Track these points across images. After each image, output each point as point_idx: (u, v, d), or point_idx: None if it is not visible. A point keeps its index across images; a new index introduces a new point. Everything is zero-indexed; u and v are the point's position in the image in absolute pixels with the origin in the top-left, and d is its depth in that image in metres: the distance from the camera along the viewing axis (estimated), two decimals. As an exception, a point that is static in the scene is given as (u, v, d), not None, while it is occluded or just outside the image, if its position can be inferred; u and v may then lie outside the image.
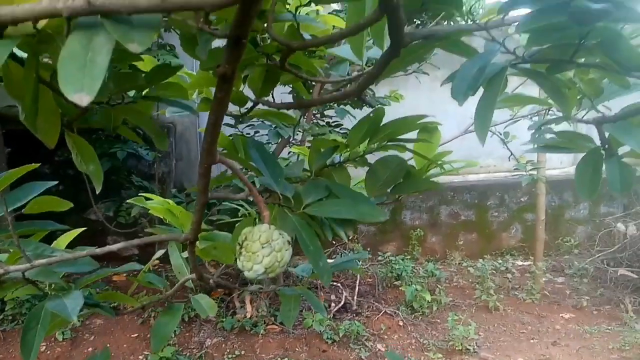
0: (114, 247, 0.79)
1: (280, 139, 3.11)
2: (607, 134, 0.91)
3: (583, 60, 0.75)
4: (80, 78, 0.44)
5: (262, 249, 0.68)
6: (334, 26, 1.03)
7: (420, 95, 5.11)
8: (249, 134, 3.49)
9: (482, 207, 5.52)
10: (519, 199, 5.56)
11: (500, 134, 3.42)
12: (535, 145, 1.03)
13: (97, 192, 0.88)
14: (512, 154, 3.47)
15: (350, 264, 1.09)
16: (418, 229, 5.15)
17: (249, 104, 1.00)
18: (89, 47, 0.46)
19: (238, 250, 0.71)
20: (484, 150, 5.57)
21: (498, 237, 5.53)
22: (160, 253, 1.31)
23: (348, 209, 0.79)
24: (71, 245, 1.04)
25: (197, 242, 1.05)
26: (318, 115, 4.12)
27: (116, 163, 3.82)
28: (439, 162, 1.02)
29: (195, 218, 0.77)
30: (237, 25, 0.47)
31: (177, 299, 1.20)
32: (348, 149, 0.97)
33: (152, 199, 1.23)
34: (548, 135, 1.01)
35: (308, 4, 0.79)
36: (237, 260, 0.71)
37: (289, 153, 3.76)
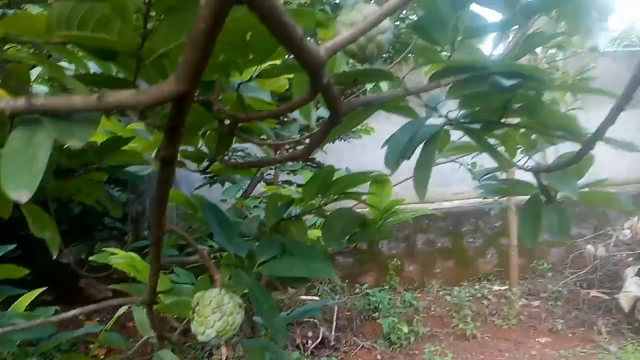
0: (70, 314, 0.80)
1: (252, 176, 3.14)
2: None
3: (514, 120, 0.80)
4: (21, 175, 0.46)
5: (213, 314, 0.70)
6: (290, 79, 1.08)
7: (392, 126, 5.20)
8: (221, 171, 3.51)
9: (457, 233, 5.60)
10: (493, 224, 5.65)
11: (468, 165, 3.52)
12: (482, 191, 1.08)
13: (54, 257, 0.89)
14: (480, 183, 3.55)
15: (309, 313, 1.11)
16: (395, 259, 5.18)
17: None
18: (30, 144, 0.48)
19: (191, 314, 0.73)
20: (456, 178, 5.67)
21: (474, 262, 5.59)
22: (123, 309, 1.31)
23: (300, 267, 0.82)
24: (42, 292, 1.04)
25: (162, 298, 1.07)
26: (290, 150, 4.17)
27: (87, 205, 3.77)
28: (392, 211, 1.06)
29: (150, 283, 0.78)
30: (172, 118, 0.50)
31: (147, 349, 1.20)
32: (303, 203, 1.00)
33: (115, 254, 1.24)
34: (494, 181, 1.07)
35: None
36: (191, 324, 0.73)
37: (262, 192, 3.78)
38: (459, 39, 0.82)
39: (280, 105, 1.04)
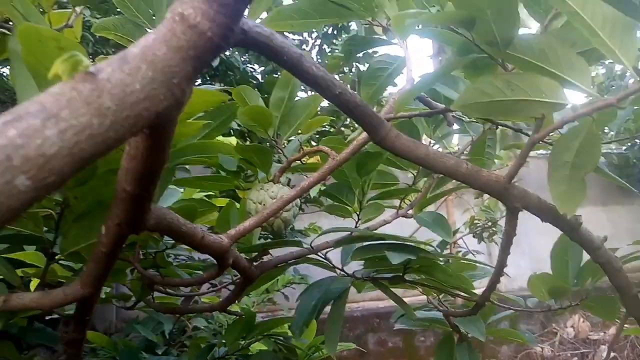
0: None
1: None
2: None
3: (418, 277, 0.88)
4: None
5: None
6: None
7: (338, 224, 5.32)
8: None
9: (408, 332, 5.55)
10: (443, 322, 5.66)
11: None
12: (402, 326, 1.14)
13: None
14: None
15: None
16: (346, 361, 5.05)
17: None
18: None
19: None
20: (406, 274, 5.78)
21: (426, 362, 5.51)
22: None
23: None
24: None
25: None
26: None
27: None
28: (316, 347, 1.09)
29: None
30: (78, 311, 0.54)
31: None
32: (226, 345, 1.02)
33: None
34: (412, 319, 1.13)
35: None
36: None
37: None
38: (366, 200, 0.91)
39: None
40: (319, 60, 4.67)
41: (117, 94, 0.29)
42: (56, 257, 0.56)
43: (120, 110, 0.29)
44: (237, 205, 1.00)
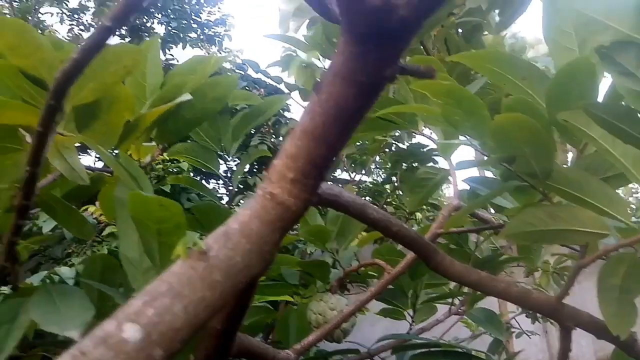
0: None
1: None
2: None
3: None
4: None
5: None
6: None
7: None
8: None
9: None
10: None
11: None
12: None
13: None
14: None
15: None
16: None
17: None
18: None
19: None
20: None
21: None
22: None
23: None
24: None
25: None
26: None
27: None
28: None
29: None
30: None
31: None
32: None
33: None
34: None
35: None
36: None
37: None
38: (419, 303, 0.95)
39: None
40: (361, 142, 4.84)
41: (224, 268, 0.36)
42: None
43: (226, 281, 0.36)
44: (294, 302, 1.05)
